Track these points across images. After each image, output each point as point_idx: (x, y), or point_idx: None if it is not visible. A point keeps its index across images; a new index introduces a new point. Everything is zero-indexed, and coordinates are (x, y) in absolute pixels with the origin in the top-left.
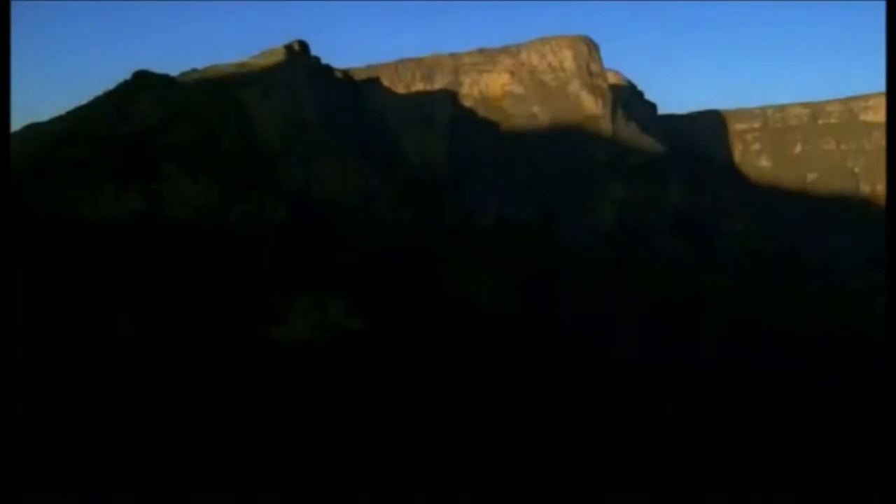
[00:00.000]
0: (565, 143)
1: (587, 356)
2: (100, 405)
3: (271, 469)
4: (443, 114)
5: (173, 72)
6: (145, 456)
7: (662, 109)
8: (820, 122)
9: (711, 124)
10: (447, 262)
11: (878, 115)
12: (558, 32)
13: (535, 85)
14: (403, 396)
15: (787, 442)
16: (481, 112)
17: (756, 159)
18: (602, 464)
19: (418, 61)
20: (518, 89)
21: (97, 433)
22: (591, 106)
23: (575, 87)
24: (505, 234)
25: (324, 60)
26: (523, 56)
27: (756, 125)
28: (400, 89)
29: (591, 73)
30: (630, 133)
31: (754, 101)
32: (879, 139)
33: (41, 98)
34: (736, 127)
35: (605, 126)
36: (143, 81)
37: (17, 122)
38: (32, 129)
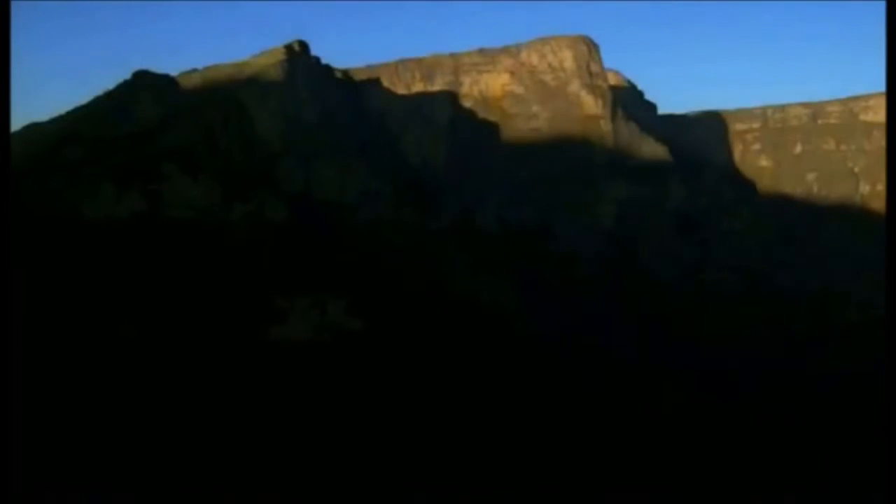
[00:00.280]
0: (565, 143)
1: (587, 356)
2: (100, 405)
3: (271, 469)
4: (443, 114)
5: (173, 72)
6: (145, 456)
7: (662, 109)
8: (820, 122)
9: (711, 124)
10: (447, 262)
11: (878, 115)
12: (558, 32)
13: (535, 85)
14: (403, 396)
15: (787, 442)
16: (481, 112)
17: (756, 159)
18: (602, 464)
19: (418, 61)
20: (518, 89)
21: (97, 433)
22: (591, 106)
23: (575, 87)
24: (505, 234)
25: (324, 60)
26: (523, 56)
27: (756, 125)
28: (400, 89)
29: (591, 73)
30: (630, 133)
31: (754, 101)
32: (879, 139)
33: (41, 98)
34: (736, 127)
35: (605, 126)
36: (143, 81)
37: (17, 122)
38: (32, 129)
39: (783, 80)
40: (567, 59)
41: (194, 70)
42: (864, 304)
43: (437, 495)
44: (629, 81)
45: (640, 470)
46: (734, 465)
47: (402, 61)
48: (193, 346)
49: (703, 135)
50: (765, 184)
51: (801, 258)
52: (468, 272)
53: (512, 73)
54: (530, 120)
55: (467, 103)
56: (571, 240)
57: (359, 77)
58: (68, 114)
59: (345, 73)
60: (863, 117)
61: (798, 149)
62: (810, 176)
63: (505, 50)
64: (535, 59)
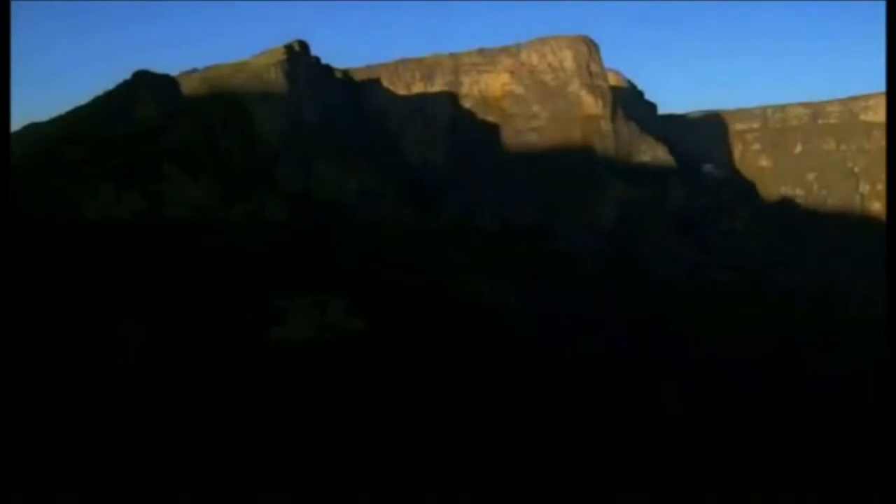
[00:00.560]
0: (565, 143)
1: (587, 356)
2: (99, 405)
3: (271, 469)
4: (443, 114)
5: (173, 72)
6: (145, 456)
7: (662, 109)
8: (820, 122)
9: (711, 124)
10: (447, 262)
11: (878, 115)
12: (558, 32)
13: (535, 85)
14: (404, 396)
15: (787, 442)
16: (481, 112)
17: (756, 159)
18: (602, 463)
19: (418, 61)
20: (518, 89)
21: (97, 433)
22: (591, 106)
23: (575, 87)
24: (505, 234)
25: (324, 60)
26: (523, 56)
27: (756, 125)
28: (400, 89)
29: (591, 73)
30: (630, 133)
31: (754, 101)
32: (879, 139)
33: (41, 98)
34: (736, 127)
35: (605, 126)
36: (143, 81)
37: (17, 122)
38: (32, 129)
39: (783, 80)
40: (567, 59)
41: (194, 70)
42: (864, 304)
43: (437, 495)
44: (629, 81)
45: (640, 469)
46: (734, 465)
47: (402, 61)
48: (194, 346)
49: (703, 135)
50: (765, 184)
51: (801, 258)
52: (468, 272)
53: (512, 73)
54: (530, 120)
55: (467, 103)
56: (571, 240)
57: (359, 77)
58: (68, 114)
59: (345, 73)
60: (863, 117)
61: (798, 149)
62: (810, 176)
63: (505, 50)
64: (535, 59)
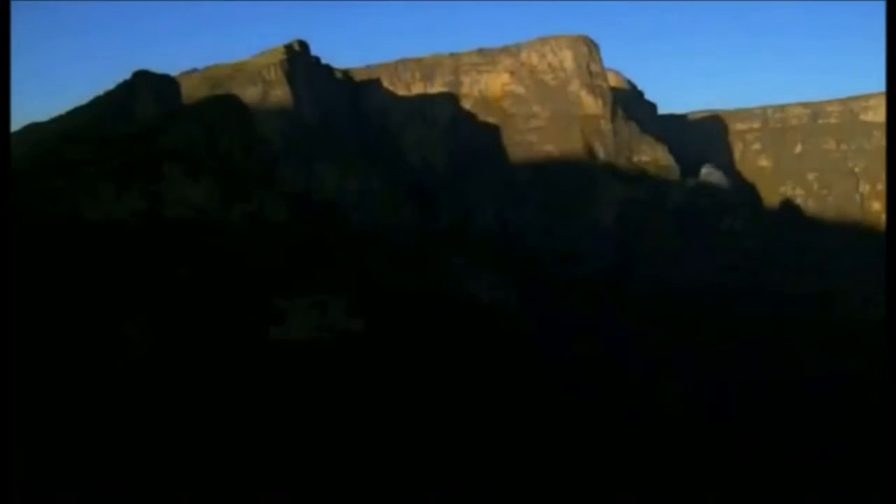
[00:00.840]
0: (565, 143)
1: (587, 356)
2: (99, 405)
3: (271, 470)
4: (443, 114)
5: (173, 72)
6: (145, 456)
7: (662, 109)
8: (820, 122)
9: (711, 124)
10: (447, 262)
11: (878, 115)
12: (558, 32)
13: (535, 85)
14: (404, 397)
15: (787, 442)
16: (481, 112)
17: (756, 159)
18: (602, 464)
19: (418, 61)
20: (518, 89)
21: (97, 433)
22: (591, 106)
23: (575, 87)
24: (505, 234)
25: (324, 60)
26: (523, 56)
27: (756, 125)
28: (400, 89)
29: (591, 73)
30: (630, 133)
31: (754, 101)
32: (879, 139)
33: (41, 98)
34: (736, 127)
35: (605, 126)
36: (143, 81)
37: (17, 122)
38: (32, 129)
39: (783, 80)
40: (567, 59)
41: (194, 70)
42: (864, 304)
43: (437, 495)
44: (629, 81)
45: (640, 470)
46: (734, 465)
47: (402, 61)
48: (194, 346)
49: (703, 135)
50: (765, 184)
51: (801, 258)
52: (468, 272)
53: (512, 73)
54: (530, 120)
55: (467, 103)
56: (571, 240)
57: (359, 77)
58: (68, 114)
59: (345, 73)
60: (863, 117)
61: (798, 149)
62: (810, 176)
63: (505, 50)
64: (535, 59)
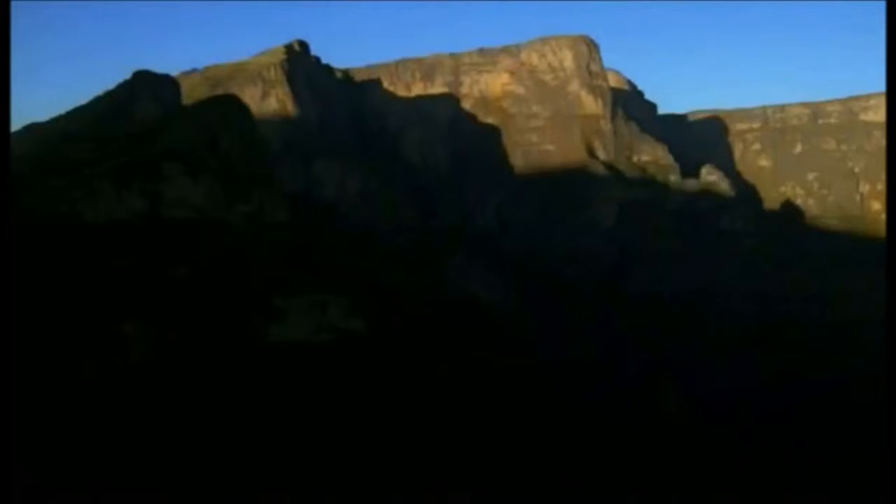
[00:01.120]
0: (565, 143)
1: (587, 356)
2: (99, 405)
3: (271, 470)
4: (443, 114)
5: (173, 72)
6: (145, 456)
7: (662, 109)
8: (820, 122)
9: (711, 124)
10: (447, 262)
11: (878, 115)
12: (558, 32)
13: (535, 85)
14: (404, 397)
15: (787, 442)
16: (481, 112)
17: (756, 159)
18: (602, 464)
19: (418, 61)
20: (518, 89)
21: (96, 434)
22: (591, 106)
23: (575, 87)
24: (504, 234)
25: (324, 60)
26: (523, 56)
27: (756, 125)
28: (400, 89)
29: (591, 73)
30: (630, 133)
31: (754, 101)
32: (879, 139)
33: (41, 98)
34: (736, 127)
35: (605, 126)
36: (143, 81)
37: (17, 122)
38: (32, 129)
39: (783, 80)
40: (567, 59)
41: (194, 70)
42: (863, 304)
43: (437, 495)
44: (629, 81)
45: (640, 470)
46: (734, 465)
47: (402, 61)
48: (193, 345)
49: (703, 134)
50: (765, 184)
51: (801, 258)
52: (468, 272)
53: (512, 73)
54: (530, 120)
55: (467, 103)
56: (571, 240)
57: (359, 77)
58: (68, 114)
59: (345, 73)
60: (863, 117)
61: (798, 149)
62: (810, 176)
63: (505, 50)
64: (535, 59)
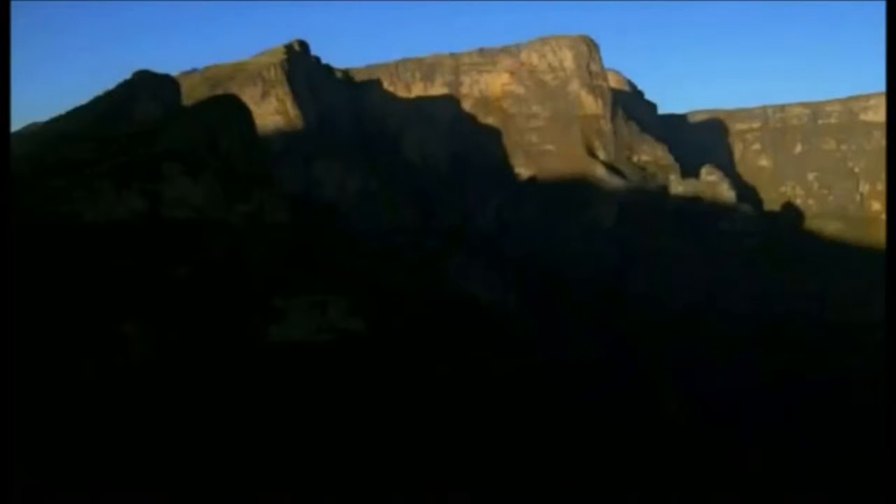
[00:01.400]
0: (565, 142)
1: (587, 357)
2: (99, 405)
3: (271, 470)
4: (443, 114)
5: (173, 72)
6: (144, 456)
7: (662, 109)
8: (820, 122)
9: (711, 124)
10: (447, 262)
11: (878, 115)
12: (558, 32)
13: (535, 85)
14: (404, 397)
15: (787, 442)
16: (481, 112)
17: (756, 159)
18: (602, 464)
19: (418, 61)
20: (518, 89)
21: (96, 434)
22: (591, 106)
23: (575, 86)
24: (504, 234)
25: (324, 60)
26: (523, 56)
27: (756, 125)
28: (400, 89)
29: (591, 73)
30: (630, 133)
31: (754, 101)
32: (879, 139)
33: (41, 98)
34: (736, 127)
35: (605, 126)
36: (143, 81)
37: (17, 122)
38: (32, 129)
39: (783, 80)
40: (567, 59)
41: (194, 70)
42: (863, 304)
43: (437, 495)
44: (629, 81)
45: (640, 471)
46: (735, 465)
47: (402, 61)
48: (193, 346)
49: (703, 134)
50: (765, 184)
51: (801, 258)
52: (468, 272)
53: (512, 73)
54: (530, 120)
55: (467, 103)
56: (571, 240)
57: (359, 77)
58: (68, 114)
59: (345, 73)
60: (863, 117)
61: (798, 149)
62: (810, 176)
63: (505, 50)
64: (535, 59)
